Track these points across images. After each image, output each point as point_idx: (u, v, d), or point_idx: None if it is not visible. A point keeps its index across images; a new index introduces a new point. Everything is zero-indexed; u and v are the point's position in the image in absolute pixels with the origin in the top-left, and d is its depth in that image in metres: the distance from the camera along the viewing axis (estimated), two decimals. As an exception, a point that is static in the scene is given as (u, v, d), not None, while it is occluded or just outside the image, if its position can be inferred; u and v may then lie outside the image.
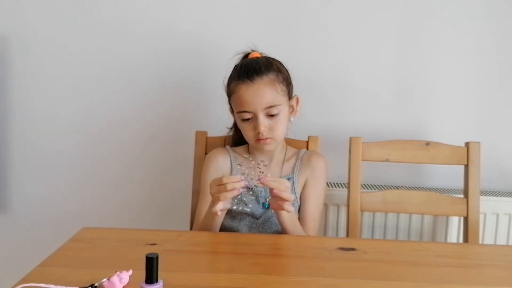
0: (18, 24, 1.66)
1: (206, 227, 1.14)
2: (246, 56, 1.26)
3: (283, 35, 1.64)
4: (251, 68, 1.16)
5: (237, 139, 1.34)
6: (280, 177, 1.25)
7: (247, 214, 1.22)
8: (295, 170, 1.27)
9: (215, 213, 1.04)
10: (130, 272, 0.78)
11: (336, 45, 1.65)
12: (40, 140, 1.72)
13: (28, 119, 1.71)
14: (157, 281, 0.68)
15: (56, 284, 0.73)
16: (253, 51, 1.27)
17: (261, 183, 1.01)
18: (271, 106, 1.15)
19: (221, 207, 1.04)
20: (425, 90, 1.67)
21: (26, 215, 1.75)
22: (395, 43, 1.65)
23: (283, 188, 1.01)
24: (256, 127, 1.16)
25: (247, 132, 1.20)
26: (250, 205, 1.18)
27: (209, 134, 1.46)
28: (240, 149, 1.32)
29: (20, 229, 1.76)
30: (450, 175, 1.64)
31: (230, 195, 1.01)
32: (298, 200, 1.25)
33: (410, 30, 1.64)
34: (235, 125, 1.32)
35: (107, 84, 1.69)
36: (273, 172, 1.25)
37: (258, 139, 1.18)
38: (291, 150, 1.32)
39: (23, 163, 1.74)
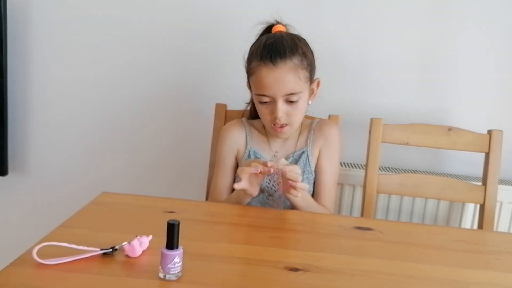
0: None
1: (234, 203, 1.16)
2: (269, 28, 1.21)
3: (305, 11, 1.61)
4: (275, 50, 1.09)
5: (254, 113, 1.33)
6: (295, 151, 1.24)
7: (261, 190, 1.23)
8: (308, 143, 1.25)
9: (245, 191, 1.07)
10: (150, 237, 0.80)
11: (361, 24, 1.62)
12: (60, 104, 1.74)
13: (48, 83, 1.73)
14: (177, 247, 0.69)
15: (77, 244, 0.74)
16: (277, 22, 1.21)
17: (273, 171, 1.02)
18: (291, 93, 1.11)
19: (244, 185, 1.05)
20: (449, 74, 1.64)
21: (46, 177, 1.79)
22: (420, 25, 1.61)
23: (295, 177, 1.02)
24: (273, 112, 1.13)
25: (264, 115, 1.17)
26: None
27: (229, 107, 1.46)
28: (256, 122, 1.31)
29: (40, 191, 1.79)
30: (469, 162, 1.63)
31: (248, 171, 1.03)
32: (313, 172, 1.24)
33: (436, 12, 1.60)
34: (252, 100, 1.31)
35: (128, 53, 1.69)
36: (287, 150, 1.25)
37: (275, 125, 1.15)
38: (305, 123, 1.29)
39: (43, 126, 1.76)
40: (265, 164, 1.02)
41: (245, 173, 1.04)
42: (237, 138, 1.27)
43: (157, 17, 1.66)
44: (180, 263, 0.69)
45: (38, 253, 0.70)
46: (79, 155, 1.77)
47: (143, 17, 1.66)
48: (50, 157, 1.78)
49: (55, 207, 1.73)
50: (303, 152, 1.23)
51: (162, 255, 0.68)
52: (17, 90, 1.73)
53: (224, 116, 1.45)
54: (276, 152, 1.19)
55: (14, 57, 1.69)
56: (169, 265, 0.68)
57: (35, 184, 1.79)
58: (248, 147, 1.25)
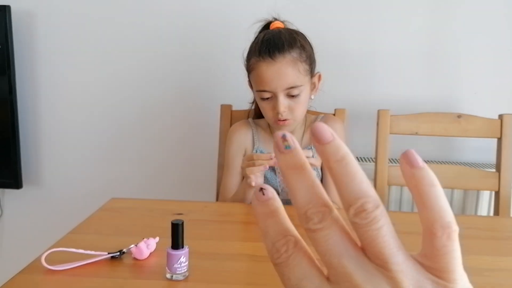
0: (45, 0, 1.68)
1: (237, 201, 1.16)
2: (267, 25, 1.21)
3: (307, 3, 1.61)
4: (273, 44, 1.09)
5: (259, 112, 1.33)
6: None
7: None
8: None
9: (250, 185, 1.06)
10: (157, 239, 0.80)
11: (364, 15, 1.61)
12: (69, 115, 1.76)
13: (56, 95, 1.75)
14: (182, 247, 0.69)
15: (85, 249, 0.75)
16: (275, 19, 1.21)
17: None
18: (292, 87, 1.11)
19: (256, 180, 1.05)
20: (456, 61, 1.61)
21: (59, 188, 1.81)
22: (425, 10, 1.59)
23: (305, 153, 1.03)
24: (275, 107, 1.12)
25: (267, 111, 1.16)
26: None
27: (234, 107, 1.45)
28: (262, 121, 1.31)
29: (53, 201, 1.82)
30: (482, 149, 1.60)
31: (257, 170, 1.03)
32: (320, 170, 1.23)
33: (441, -1, 1.59)
34: (255, 99, 1.31)
35: (133, 58, 1.70)
36: None
37: (278, 120, 1.15)
38: (309, 119, 1.29)
39: (54, 138, 1.78)
40: (266, 157, 1.03)
41: (255, 172, 1.04)
42: (244, 138, 1.28)
43: (159, 22, 1.67)
44: (186, 263, 0.69)
45: (46, 260, 0.71)
46: (90, 164, 1.79)
47: (146, 23, 1.67)
48: (62, 168, 1.80)
49: (69, 216, 1.75)
50: (308, 150, 1.23)
51: (168, 256, 0.68)
52: (27, 106, 1.75)
53: (230, 116, 1.45)
54: None
55: (22, 72, 1.72)
56: (175, 265, 0.68)
57: (49, 195, 1.81)
58: (255, 146, 1.26)
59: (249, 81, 1.21)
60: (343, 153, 0.23)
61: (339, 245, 0.23)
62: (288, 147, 0.24)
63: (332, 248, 0.23)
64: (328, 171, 0.24)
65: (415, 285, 0.22)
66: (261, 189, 0.25)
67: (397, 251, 0.23)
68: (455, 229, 0.23)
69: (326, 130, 0.24)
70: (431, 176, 0.24)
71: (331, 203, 0.23)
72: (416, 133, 1.42)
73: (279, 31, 1.15)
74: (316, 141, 0.24)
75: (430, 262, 0.23)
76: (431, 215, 0.23)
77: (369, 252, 0.23)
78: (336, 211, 0.23)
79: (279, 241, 0.24)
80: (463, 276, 0.24)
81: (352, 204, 0.23)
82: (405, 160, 0.24)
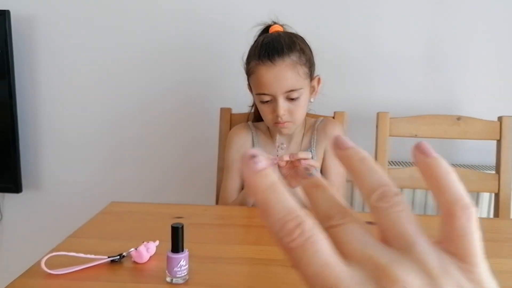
0: (45, 5, 1.69)
1: (241, 204, 1.16)
2: (267, 29, 1.21)
3: (306, 6, 1.61)
4: (272, 48, 1.10)
5: (258, 116, 1.33)
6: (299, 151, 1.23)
7: None
8: (312, 143, 1.25)
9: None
10: (157, 242, 0.80)
11: (363, 16, 1.61)
12: (69, 119, 1.76)
13: (56, 99, 1.75)
14: (182, 250, 0.69)
15: (85, 253, 0.75)
16: (274, 23, 1.22)
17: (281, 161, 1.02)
18: (292, 90, 1.11)
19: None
20: (456, 62, 1.61)
21: (59, 192, 1.81)
22: (424, 13, 1.60)
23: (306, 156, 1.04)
24: (275, 110, 1.13)
25: (266, 114, 1.17)
26: None
27: (234, 111, 1.46)
28: (262, 124, 1.31)
29: (53, 205, 1.82)
30: (481, 151, 1.60)
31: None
32: (319, 174, 1.23)
33: (439, 0, 1.59)
34: (255, 102, 1.31)
35: (132, 62, 1.71)
36: (291, 152, 1.24)
37: (277, 123, 1.15)
38: (309, 122, 1.29)
39: (54, 142, 1.78)
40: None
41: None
42: (243, 142, 1.28)
43: (159, 26, 1.67)
44: (186, 266, 0.69)
45: (47, 264, 0.71)
46: (90, 168, 1.79)
47: (145, 27, 1.68)
48: (62, 172, 1.80)
49: (69, 220, 1.74)
50: (308, 152, 1.23)
51: (168, 259, 0.68)
52: (26, 110, 1.75)
53: (229, 120, 1.45)
54: (282, 143, 1.19)
55: (22, 77, 1.72)
56: (175, 269, 0.68)
57: (49, 199, 1.81)
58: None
59: (249, 85, 1.21)
60: (365, 154, 0.25)
61: (361, 236, 0.23)
62: (310, 174, 0.26)
63: (355, 237, 0.23)
64: (349, 170, 0.25)
65: (439, 266, 0.22)
66: (253, 156, 0.22)
67: (418, 233, 0.23)
68: (474, 210, 0.23)
69: (347, 140, 0.26)
70: (446, 164, 0.25)
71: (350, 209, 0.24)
72: (416, 135, 1.42)
73: (278, 34, 1.15)
74: (338, 148, 0.25)
75: (451, 247, 0.23)
76: (451, 198, 0.24)
77: (391, 236, 0.23)
78: (355, 214, 0.24)
79: (290, 221, 0.22)
80: (485, 260, 0.23)
81: (374, 191, 0.24)
82: (419, 150, 0.25)
